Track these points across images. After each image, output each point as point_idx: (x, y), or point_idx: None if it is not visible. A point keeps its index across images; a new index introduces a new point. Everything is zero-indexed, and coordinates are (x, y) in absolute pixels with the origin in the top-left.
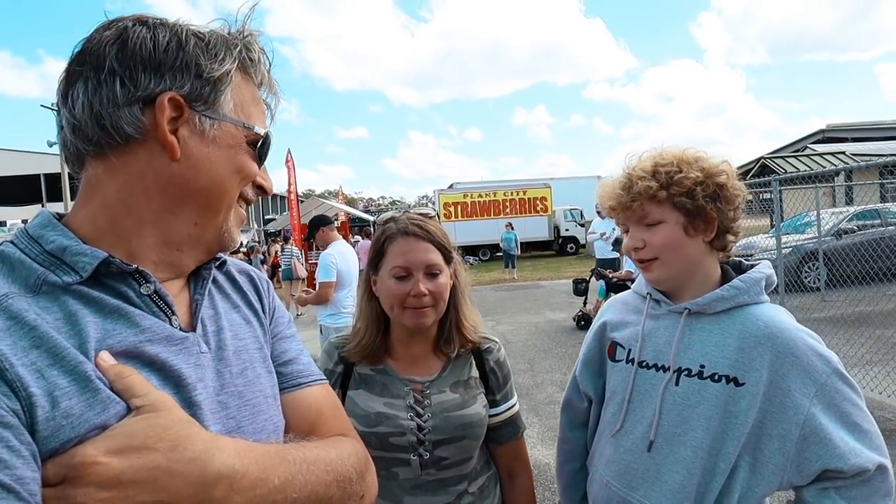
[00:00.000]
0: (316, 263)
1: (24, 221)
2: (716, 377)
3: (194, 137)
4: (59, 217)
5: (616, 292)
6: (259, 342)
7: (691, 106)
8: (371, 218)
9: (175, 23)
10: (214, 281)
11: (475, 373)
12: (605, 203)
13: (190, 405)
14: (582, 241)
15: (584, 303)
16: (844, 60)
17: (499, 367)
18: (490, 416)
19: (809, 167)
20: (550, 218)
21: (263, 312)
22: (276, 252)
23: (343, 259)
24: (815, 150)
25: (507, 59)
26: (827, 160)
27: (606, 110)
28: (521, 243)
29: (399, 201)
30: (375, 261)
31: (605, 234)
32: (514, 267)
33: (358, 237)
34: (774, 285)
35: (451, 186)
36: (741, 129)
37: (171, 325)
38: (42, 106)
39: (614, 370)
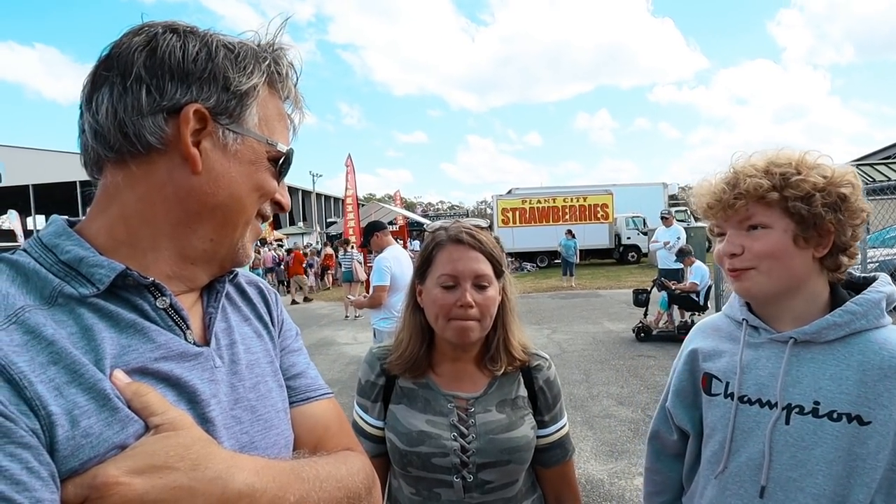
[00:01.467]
0: (372, 267)
1: None
2: (834, 415)
3: (216, 151)
4: (72, 224)
5: (679, 304)
6: (270, 356)
7: (767, 109)
8: (427, 222)
9: (206, 32)
10: (226, 294)
11: (523, 391)
12: (701, 201)
13: (204, 421)
14: (644, 250)
15: (645, 314)
16: None
17: (548, 387)
18: (538, 438)
19: None
20: (611, 225)
21: (273, 325)
22: (326, 255)
23: (398, 263)
24: None
25: (569, 61)
26: None
27: (673, 114)
28: (580, 251)
29: (457, 206)
30: (422, 269)
31: (668, 243)
32: (572, 275)
33: (417, 241)
34: None
35: (509, 192)
36: (824, 134)
37: (185, 339)
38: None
39: (711, 405)
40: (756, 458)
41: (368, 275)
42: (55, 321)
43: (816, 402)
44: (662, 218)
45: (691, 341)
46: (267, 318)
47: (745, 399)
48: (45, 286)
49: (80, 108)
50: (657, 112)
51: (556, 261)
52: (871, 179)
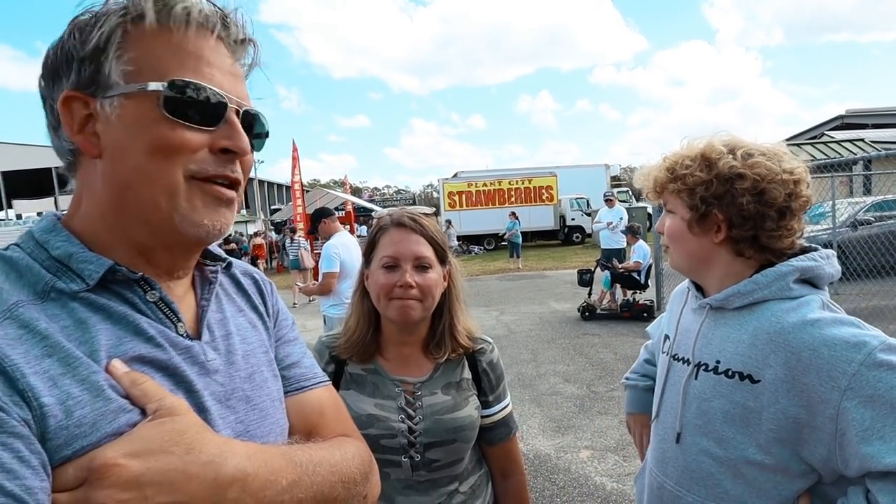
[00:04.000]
0: (319, 254)
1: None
2: (730, 373)
3: (108, 127)
4: (60, 219)
5: (621, 283)
6: (265, 346)
7: (702, 90)
8: (376, 208)
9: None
10: (220, 284)
11: (468, 374)
12: (641, 186)
13: (200, 410)
14: (588, 231)
15: (589, 293)
16: (866, 41)
17: (491, 369)
18: (483, 418)
19: (826, 155)
20: (556, 207)
21: (268, 316)
22: (255, 245)
23: (346, 250)
24: (832, 137)
25: (510, 43)
26: (845, 148)
27: (613, 96)
28: (526, 233)
29: (404, 190)
30: (368, 253)
31: (611, 223)
32: (518, 256)
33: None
34: (828, 278)
35: (455, 175)
36: (756, 115)
37: (176, 331)
38: None
39: (661, 361)
40: (675, 408)
41: (316, 262)
42: (48, 315)
43: (718, 361)
44: (606, 199)
45: (670, 298)
46: (262, 308)
47: (676, 356)
48: (38, 281)
49: None
50: (598, 94)
51: (502, 243)
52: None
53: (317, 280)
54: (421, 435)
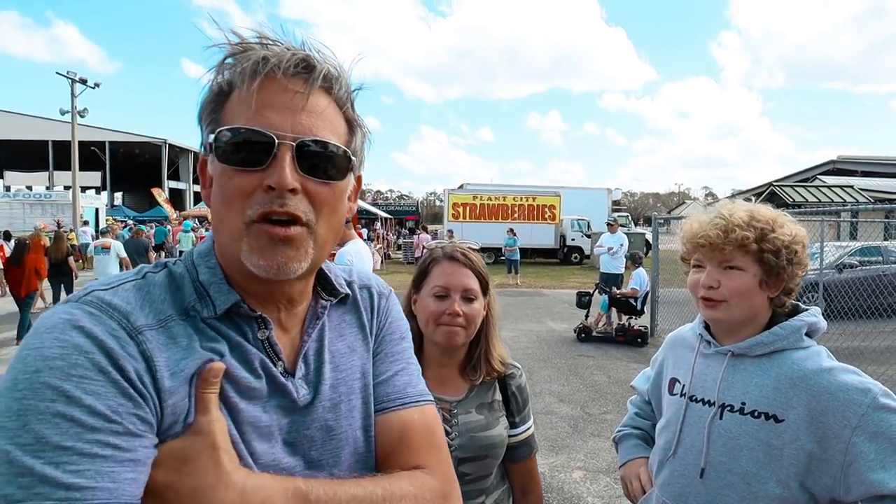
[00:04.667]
0: (333, 255)
1: (29, 188)
2: (756, 413)
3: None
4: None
5: (618, 308)
6: (361, 370)
7: (706, 124)
8: (378, 211)
9: None
10: (328, 313)
11: (498, 396)
12: (694, 239)
13: (267, 438)
14: (587, 252)
15: (586, 316)
16: (861, 92)
17: (520, 392)
18: (509, 437)
19: (818, 198)
20: (558, 226)
21: (370, 334)
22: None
23: (359, 258)
24: (824, 182)
25: (524, 61)
26: (835, 192)
27: (620, 121)
28: (526, 249)
29: (406, 196)
30: (419, 281)
31: (612, 248)
32: (517, 272)
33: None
34: (822, 331)
35: (461, 186)
36: (755, 152)
37: (274, 367)
38: (57, 73)
39: (671, 402)
40: (698, 446)
41: None
42: (185, 332)
43: (743, 403)
44: (608, 224)
45: (667, 347)
46: (368, 326)
47: (694, 398)
48: (186, 300)
49: None
50: (606, 118)
51: (501, 257)
52: (791, 200)
53: None
54: (457, 450)
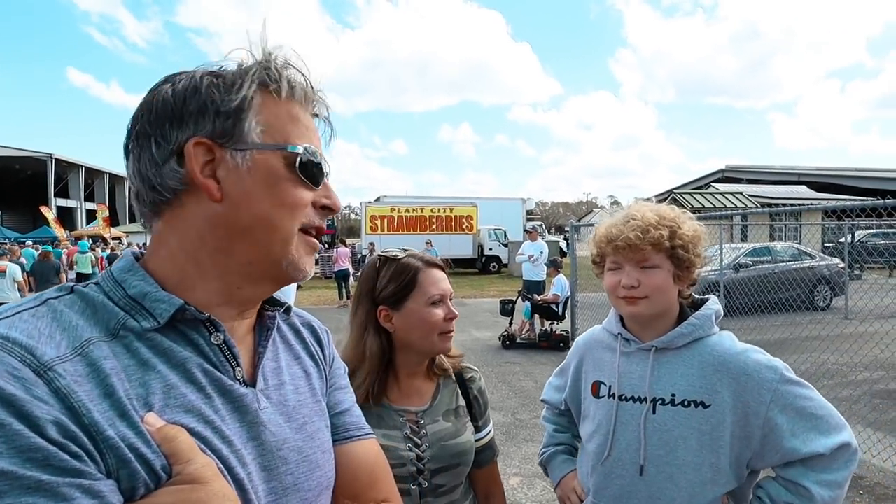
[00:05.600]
0: None
1: None
2: (685, 402)
3: (231, 175)
4: (137, 258)
5: (541, 314)
6: (317, 396)
7: (608, 136)
8: None
9: (197, 69)
10: (278, 329)
11: (462, 402)
12: (612, 242)
13: (243, 464)
14: (504, 261)
15: (510, 323)
16: (741, 106)
17: (481, 395)
18: (475, 441)
19: (713, 204)
20: (475, 236)
21: (324, 363)
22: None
23: None
24: (717, 189)
25: (435, 73)
26: (728, 199)
27: (530, 133)
28: (445, 260)
29: None
30: (403, 294)
31: (533, 256)
32: None
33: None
34: (721, 316)
35: (378, 199)
36: (653, 162)
37: (234, 376)
38: None
39: (599, 405)
40: (634, 444)
41: None
42: (114, 353)
43: (673, 394)
44: (527, 232)
45: (579, 351)
46: (318, 356)
47: (624, 397)
48: (111, 319)
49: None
50: (515, 130)
51: None
52: (691, 206)
53: None
54: (429, 461)
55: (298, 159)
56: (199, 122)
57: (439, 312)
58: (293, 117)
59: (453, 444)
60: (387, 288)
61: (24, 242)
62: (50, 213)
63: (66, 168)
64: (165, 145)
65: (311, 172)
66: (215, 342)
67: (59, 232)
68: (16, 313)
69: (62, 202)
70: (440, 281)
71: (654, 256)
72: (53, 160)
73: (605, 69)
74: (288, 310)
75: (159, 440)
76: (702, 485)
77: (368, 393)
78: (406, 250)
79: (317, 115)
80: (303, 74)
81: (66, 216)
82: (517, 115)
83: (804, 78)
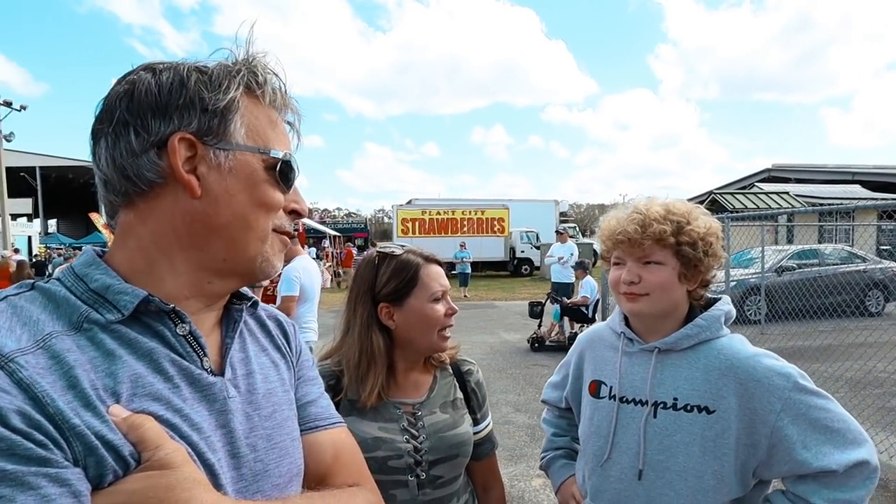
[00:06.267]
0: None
1: None
2: (688, 407)
3: (213, 172)
4: (101, 255)
5: (570, 316)
6: (286, 385)
7: (646, 135)
8: (326, 229)
9: (180, 62)
10: (245, 323)
11: (459, 394)
12: (613, 236)
13: (213, 450)
14: (536, 263)
15: (539, 325)
16: (791, 102)
17: (479, 388)
18: (473, 433)
19: (756, 205)
20: (507, 239)
21: (291, 355)
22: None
23: (307, 274)
24: (761, 189)
25: (466, 76)
26: (772, 199)
27: (564, 134)
28: (477, 262)
29: (355, 213)
30: (405, 290)
31: (562, 258)
32: (465, 285)
33: (313, 249)
34: (733, 318)
35: (409, 202)
36: (693, 162)
37: (202, 365)
38: None
39: (598, 406)
40: (633, 448)
41: (272, 284)
42: (79, 346)
43: (675, 399)
44: (557, 233)
45: (582, 347)
46: (285, 348)
47: (625, 399)
48: (74, 312)
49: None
50: (549, 131)
51: (453, 272)
52: (732, 207)
53: (273, 304)
54: (427, 453)
55: (279, 164)
56: (184, 117)
57: (440, 308)
58: (272, 122)
59: (451, 436)
60: (388, 285)
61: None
62: (100, 220)
63: None
64: (145, 136)
65: (287, 177)
66: (181, 333)
67: (109, 237)
68: None
69: None
70: (440, 277)
71: (656, 252)
72: None
73: (644, 66)
74: (255, 304)
75: (126, 429)
76: (704, 492)
77: (381, 392)
78: (403, 246)
79: (289, 124)
80: (282, 82)
81: None
82: (551, 115)
83: (861, 71)
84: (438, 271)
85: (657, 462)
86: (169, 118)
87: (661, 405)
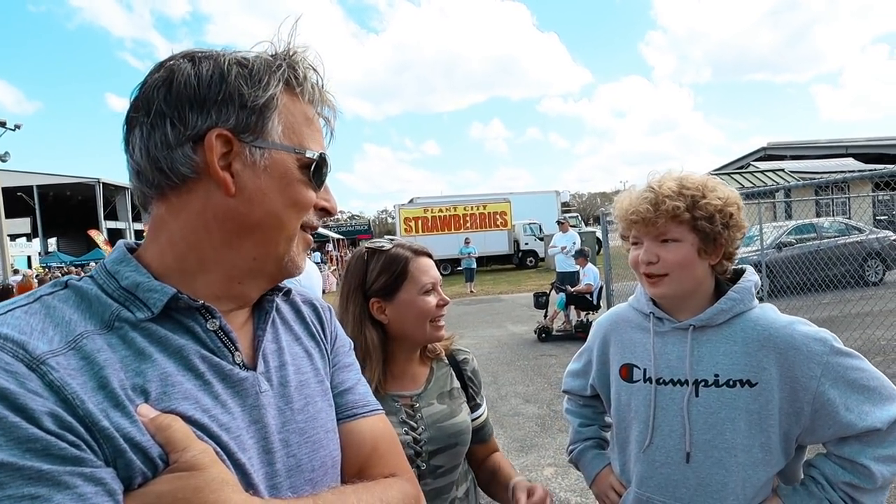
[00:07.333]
0: None
1: None
2: (731, 382)
3: (247, 170)
4: (132, 250)
5: (575, 304)
6: (320, 375)
7: (643, 121)
8: (329, 233)
9: (220, 53)
10: (278, 310)
11: (456, 383)
12: (626, 215)
13: (243, 449)
14: (541, 255)
15: (545, 315)
16: (782, 81)
17: (475, 376)
18: (472, 420)
19: (753, 183)
20: (510, 232)
21: (326, 342)
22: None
23: (307, 277)
24: (757, 168)
25: (462, 72)
26: (768, 177)
27: (562, 125)
28: (481, 257)
29: (358, 216)
30: (395, 284)
31: (565, 247)
32: (471, 280)
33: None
34: (759, 285)
35: (411, 201)
36: (691, 145)
37: (233, 360)
38: None
39: (633, 391)
40: (677, 430)
41: None
42: (109, 345)
43: (716, 375)
44: (559, 223)
45: (604, 331)
46: (319, 335)
47: (662, 381)
48: (105, 311)
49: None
50: (547, 122)
51: (458, 268)
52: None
53: None
54: (426, 444)
55: (314, 164)
56: (223, 112)
57: (431, 300)
58: (308, 119)
59: (449, 425)
60: (378, 280)
61: (81, 265)
62: (100, 236)
63: (113, 191)
64: (182, 129)
65: (320, 176)
66: (211, 328)
67: (108, 252)
68: (8, 311)
69: (111, 224)
70: (430, 269)
71: (672, 230)
72: (101, 185)
73: (636, 53)
74: (288, 292)
75: (153, 430)
76: (753, 466)
77: (378, 386)
78: (392, 240)
79: (325, 119)
80: (320, 77)
81: (116, 238)
82: (548, 107)
83: (848, 46)
84: (428, 263)
85: (704, 442)
86: (207, 112)
87: (703, 383)
